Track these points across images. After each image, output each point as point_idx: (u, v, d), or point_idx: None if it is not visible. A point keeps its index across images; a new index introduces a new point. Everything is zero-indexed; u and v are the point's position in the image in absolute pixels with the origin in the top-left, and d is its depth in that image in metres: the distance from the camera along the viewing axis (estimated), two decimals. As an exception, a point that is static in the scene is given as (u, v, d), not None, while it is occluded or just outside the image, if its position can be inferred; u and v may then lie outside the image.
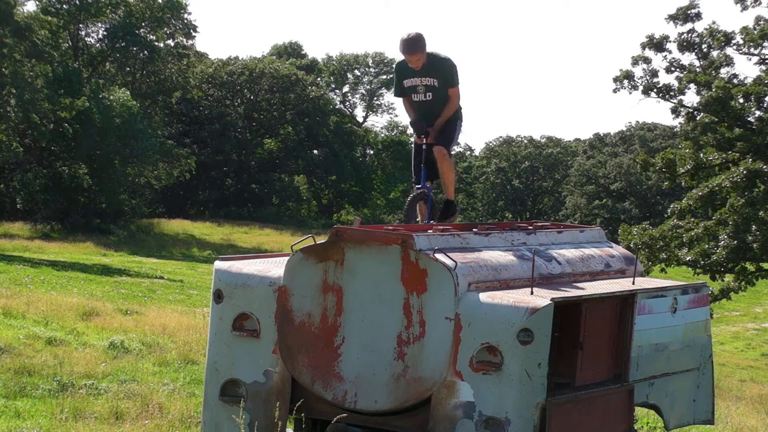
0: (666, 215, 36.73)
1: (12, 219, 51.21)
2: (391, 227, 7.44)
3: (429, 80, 9.16)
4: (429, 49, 9.08)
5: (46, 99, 47.04)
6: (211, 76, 75.85)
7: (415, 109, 9.32)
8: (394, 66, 9.33)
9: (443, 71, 9.13)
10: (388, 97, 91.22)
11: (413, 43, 8.97)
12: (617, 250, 8.56)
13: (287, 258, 7.35)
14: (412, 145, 9.58)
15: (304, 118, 77.02)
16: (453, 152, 9.55)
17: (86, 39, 61.72)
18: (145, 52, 61.07)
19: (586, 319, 7.15)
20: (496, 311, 6.63)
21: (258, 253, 13.75)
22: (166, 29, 61.35)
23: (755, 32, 34.08)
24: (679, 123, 36.27)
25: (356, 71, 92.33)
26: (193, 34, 63.39)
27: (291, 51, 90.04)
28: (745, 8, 34.40)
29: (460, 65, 9.12)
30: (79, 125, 50.77)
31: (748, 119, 34.21)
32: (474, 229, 7.78)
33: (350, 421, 7.04)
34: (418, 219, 9.28)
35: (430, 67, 9.08)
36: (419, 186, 9.32)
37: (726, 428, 13.73)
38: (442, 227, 7.66)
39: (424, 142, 9.26)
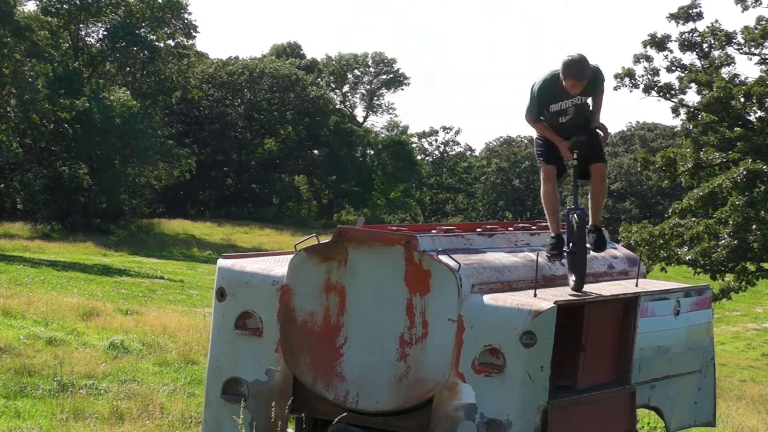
0: (666, 215, 36.72)
1: (12, 219, 51.14)
2: (394, 227, 7.42)
3: (580, 99, 7.70)
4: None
5: (46, 99, 47.01)
6: (211, 76, 75.80)
7: (556, 131, 7.75)
8: (534, 88, 7.65)
9: (595, 83, 7.70)
10: (388, 97, 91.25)
11: (584, 68, 7.46)
12: (620, 251, 8.54)
13: (290, 257, 7.33)
14: (540, 138, 7.89)
15: (304, 118, 76.96)
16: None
17: (86, 39, 61.66)
18: (145, 52, 60.98)
19: (588, 322, 7.13)
20: (499, 313, 6.61)
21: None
22: (166, 29, 61.29)
23: (756, 32, 34.07)
24: (680, 121, 36.29)
25: (356, 71, 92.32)
26: (193, 34, 63.39)
27: (291, 51, 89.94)
28: (746, 8, 34.41)
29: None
30: (79, 125, 50.72)
31: (749, 119, 34.22)
32: (477, 230, 7.74)
33: (351, 421, 7.02)
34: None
35: (588, 84, 7.59)
36: (577, 208, 7.59)
37: (726, 428, 13.71)
38: (445, 228, 7.63)
39: (575, 157, 7.61)
